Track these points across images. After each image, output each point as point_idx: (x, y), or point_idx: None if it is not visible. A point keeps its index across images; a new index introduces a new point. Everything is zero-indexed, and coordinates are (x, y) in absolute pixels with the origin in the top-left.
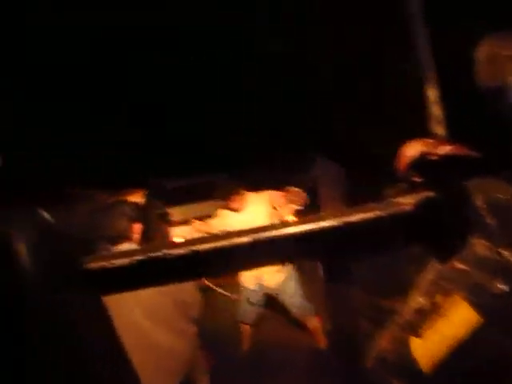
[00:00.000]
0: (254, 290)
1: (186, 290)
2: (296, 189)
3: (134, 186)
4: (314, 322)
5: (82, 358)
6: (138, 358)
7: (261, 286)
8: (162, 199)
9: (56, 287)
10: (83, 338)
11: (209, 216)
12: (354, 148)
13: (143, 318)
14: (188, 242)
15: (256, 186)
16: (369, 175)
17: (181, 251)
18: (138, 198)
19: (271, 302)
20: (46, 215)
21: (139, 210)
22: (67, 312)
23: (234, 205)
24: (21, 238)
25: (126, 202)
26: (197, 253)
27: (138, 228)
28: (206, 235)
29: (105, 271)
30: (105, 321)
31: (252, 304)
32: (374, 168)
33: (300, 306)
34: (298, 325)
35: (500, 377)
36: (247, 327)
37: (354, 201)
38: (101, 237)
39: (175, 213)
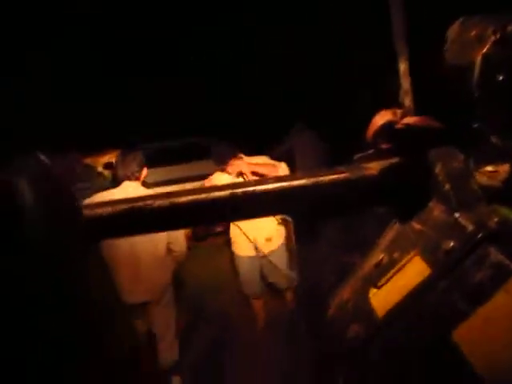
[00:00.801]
0: (250, 258)
1: (176, 239)
2: (271, 161)
3: (109, 146)
4: (291, 293)
5: (77, 298)
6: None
7: (256, 253)
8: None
9: (58, 228)
10: (79, 279)
11: (194, 177)
12: (330, 117)
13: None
14: (169, 195)
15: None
16: (344, 143)
17: (161, 202)
18: (111, 157)
19: None
20: (44, 158)
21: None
22: (67, 253)
23: (231, 168)
24: (23, 177)
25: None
26: (177, 205)
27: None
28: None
29: (94, 219)
30: (100, 266)
31: (252, 273)
32: (349, 136)
33: (286, 276)
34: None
35: (443, 320)
36: (259, 302)
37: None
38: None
39: (157, 173)
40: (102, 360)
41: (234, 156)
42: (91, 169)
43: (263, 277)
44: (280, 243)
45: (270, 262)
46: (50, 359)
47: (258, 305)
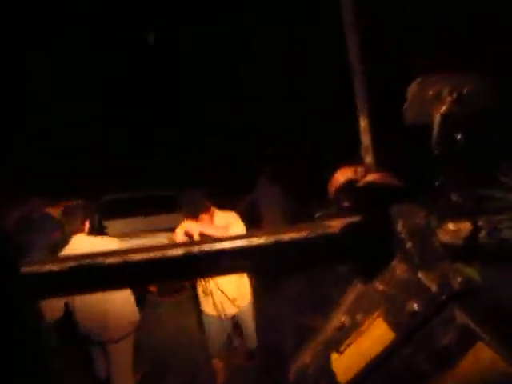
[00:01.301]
0: (218, 317)
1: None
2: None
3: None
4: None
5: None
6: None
7: (223, 314)
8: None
9: None
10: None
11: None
12: (294, 172)
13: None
14: (121, 252)
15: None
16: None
17: (113, 260)
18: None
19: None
20: None
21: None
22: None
23: (202, 220)
24: None
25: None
26: (129, 263)
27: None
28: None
29: (38, 276)
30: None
31: (219, 333)
32: (312, 191)
33: (252, 337)
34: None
35: None
36: (221, 363)
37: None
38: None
39: (115, 226)
40: None
41: (205, 208)
42: (51, 218)
43: (229, 337)
44: (245, 303)
45: (237, 323)
46: None
47: (219, 365)
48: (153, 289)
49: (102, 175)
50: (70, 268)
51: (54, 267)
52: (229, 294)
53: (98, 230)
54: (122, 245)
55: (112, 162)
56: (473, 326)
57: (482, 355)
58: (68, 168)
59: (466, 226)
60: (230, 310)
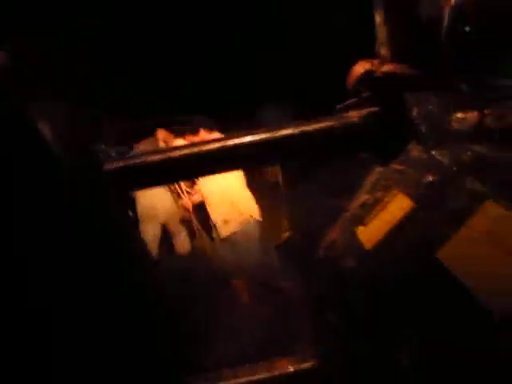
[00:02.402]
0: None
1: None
2: None
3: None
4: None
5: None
6: None
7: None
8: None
9: (82, 173)
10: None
11: None
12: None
13: None
14: (164, 150)
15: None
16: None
17: (158, 157)
18: None
19: None
20: (67, 106)
21: None
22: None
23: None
24: (49, 124)
25: None
26: (172, 159)
27: None
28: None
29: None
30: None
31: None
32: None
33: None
34: None
35: (428, 245)
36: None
37: None
38: None
39: None
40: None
41: (209, 129)
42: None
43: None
44: (237, 226)
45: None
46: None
47: (239, 285)
48: None
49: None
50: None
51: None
52: (222, 215)
53: None
54: None
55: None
56: (481, 188)
57: (490, 211)
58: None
59: (473, 115)
60: (222, 233)
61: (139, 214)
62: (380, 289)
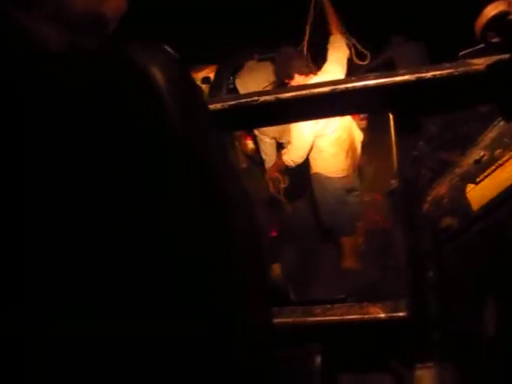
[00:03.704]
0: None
1: None
2: None
3: (208, 60)
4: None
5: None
6: None
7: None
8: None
9: (195, 123)
10: (217, 166)
11: None
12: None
13: None
14: (274, 91)
15: None
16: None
17: (267, 98)
18: (209, 72)
19: None
20: (172, 52)
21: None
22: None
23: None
24: (163, 72)
25: None
26: (280, 100)
27: None
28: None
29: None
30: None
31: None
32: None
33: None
34: None
35: None
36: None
37: None
38: None
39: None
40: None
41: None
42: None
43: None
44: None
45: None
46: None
47: (348, 243)
48: None
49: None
50: (231, 106)
51: (218, 106)
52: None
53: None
54: None
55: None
56: None
57: None
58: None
59: None
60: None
61: None
62: (477, 254)
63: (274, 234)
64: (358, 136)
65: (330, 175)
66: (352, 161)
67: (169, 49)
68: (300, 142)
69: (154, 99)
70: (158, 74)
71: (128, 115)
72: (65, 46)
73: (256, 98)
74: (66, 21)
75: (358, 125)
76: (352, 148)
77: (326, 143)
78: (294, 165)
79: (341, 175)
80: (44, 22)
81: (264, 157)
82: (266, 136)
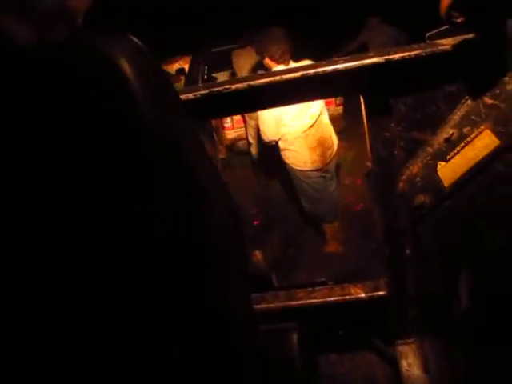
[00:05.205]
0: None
1: None
2: None
3: (181, 50)
4: None
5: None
6: None
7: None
8: (207, 64)
9: (164, 111)
10: (190, 155)
11: None
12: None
13: None
14: (245, 78)
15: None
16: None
17: (239, 86)
18: (183, 64)
19: None
20: (139, 42)
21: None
22: (176, 133)
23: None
24: (130, 62)
25: None
26: (253, 87)
27: None
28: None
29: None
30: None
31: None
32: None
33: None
34: None
35: (508, 189)
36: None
37: None
38: None
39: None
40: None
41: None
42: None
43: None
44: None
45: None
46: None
47: (330, 228)
48: None
49: (209, 27)
50: (202, 95)
51: (190, 95)
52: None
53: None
54: None
55: (218, 13)
56: None
57: None
58: (176, 21)
59: None
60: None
61: None
62: (450, 228)
63: (256, 222)
64: (329, 128)
65: (301, 168)
66: (322, 154)
67: (136, 39)
68: (263, 117)
69: (123, 90)
70: (125, 65)
71: (98, 106)
72: (34, 41)
73: (228, 86)
74: (33, 16)
75: (335, 110)
76: (321, 142)
77: (291, 138)
78: (267, 140)
79: (310, 168)
80: (12, 18)
81: (251, 141)
82: (253, 120)
